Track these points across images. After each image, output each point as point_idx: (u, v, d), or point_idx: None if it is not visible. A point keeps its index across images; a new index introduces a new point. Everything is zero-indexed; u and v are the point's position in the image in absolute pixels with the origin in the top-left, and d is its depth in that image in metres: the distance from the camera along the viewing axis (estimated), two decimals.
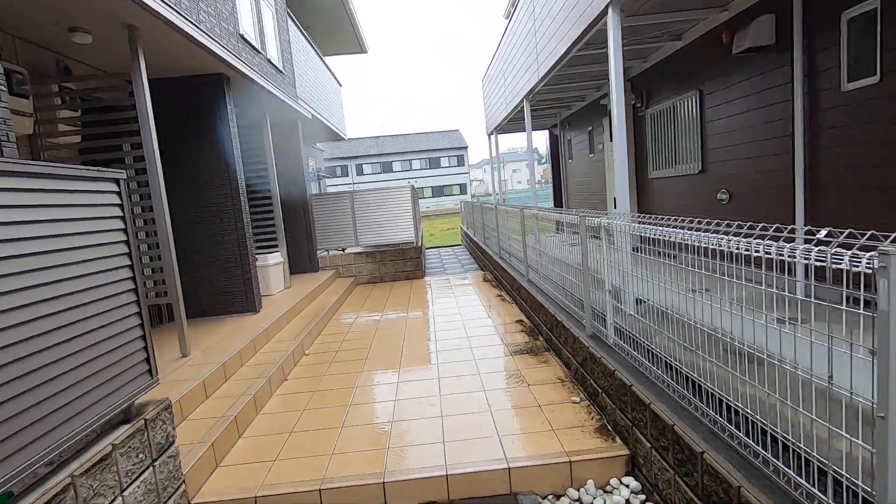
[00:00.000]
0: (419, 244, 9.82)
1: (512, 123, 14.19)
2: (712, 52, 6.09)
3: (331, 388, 4.32)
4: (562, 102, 11.75)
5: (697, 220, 2.42)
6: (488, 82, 14.50)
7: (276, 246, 7.76)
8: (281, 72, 8.16)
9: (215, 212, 5.88)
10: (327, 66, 13.46)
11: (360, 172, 51.89)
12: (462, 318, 6.35)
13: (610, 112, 9.49)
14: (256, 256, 7.20)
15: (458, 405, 3.72)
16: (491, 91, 14.14)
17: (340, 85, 15.14)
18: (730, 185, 6.17)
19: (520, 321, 5.92)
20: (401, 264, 9.64)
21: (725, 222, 2.16)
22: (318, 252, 9.57)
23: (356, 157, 51.88)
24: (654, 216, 2.99)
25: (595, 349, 3.57)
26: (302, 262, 9.26)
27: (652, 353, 2.94)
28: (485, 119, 15.79)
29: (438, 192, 52.19)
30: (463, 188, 52.25)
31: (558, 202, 14.94)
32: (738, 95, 5.80)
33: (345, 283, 9.12)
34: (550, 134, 15.44)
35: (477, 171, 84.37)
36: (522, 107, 10.21)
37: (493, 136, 15.74)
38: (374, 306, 7.63)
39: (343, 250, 9.69)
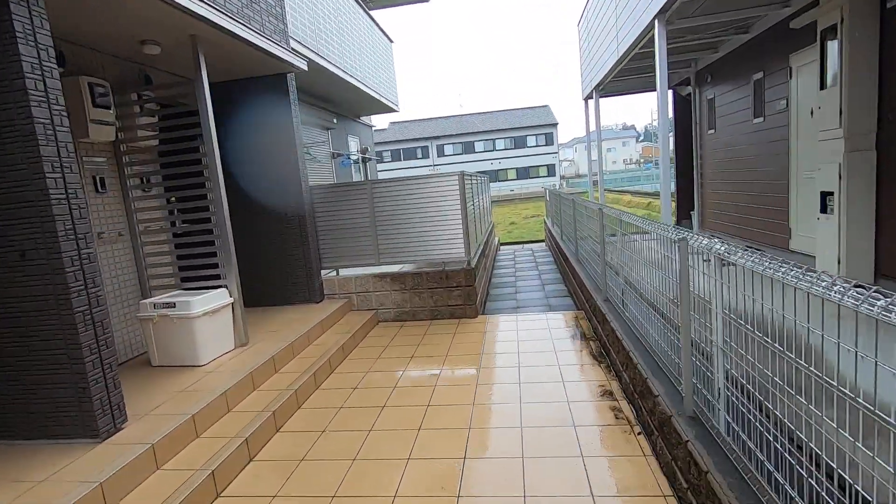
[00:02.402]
0: (473, 263, 6.33)
1: (620, 81, 10.03)
2: None
3: None
4: (706, 38, 7.50)
5: None
6: (589, 21, 10.41)
7: (215, 277, 4.70)
8: None
9: (10, 240, 2.85)
10: (369, 15, 10.21)
11: (440, 153, 49.08)
12: (532, 487, 2.83)
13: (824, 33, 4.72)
14: (174, 302, 4.19)
15: None
16: (593, 32, 10.07)
17: (391, 41, 11.87)
18: None
19: None
20: (444, 295, 6.23)
21: None
22: (322, 272, 6.45)
23: (437, 138, 49.06)
24: None
25: None
26: (294, 288, 6.19)
27: None
28: (580, 77, 11.72)
29: (524, 173, 47.89)
30: (551, 169, 47.46)
31: (686, 194, 10.59)
32: None
33: (357, 321, 5.92)
34: (675, 95, 11.03)
35: (567, 150, 78.09)
36: (649, 38, 6.25)
37: (590, 101, 11.66)
38: (377, 384, 4.35)
39: (400, 266, 6.41)
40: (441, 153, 49.14)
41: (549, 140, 47.55)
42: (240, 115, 5.94)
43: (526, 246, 16.48)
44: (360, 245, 6.33)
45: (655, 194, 30.13)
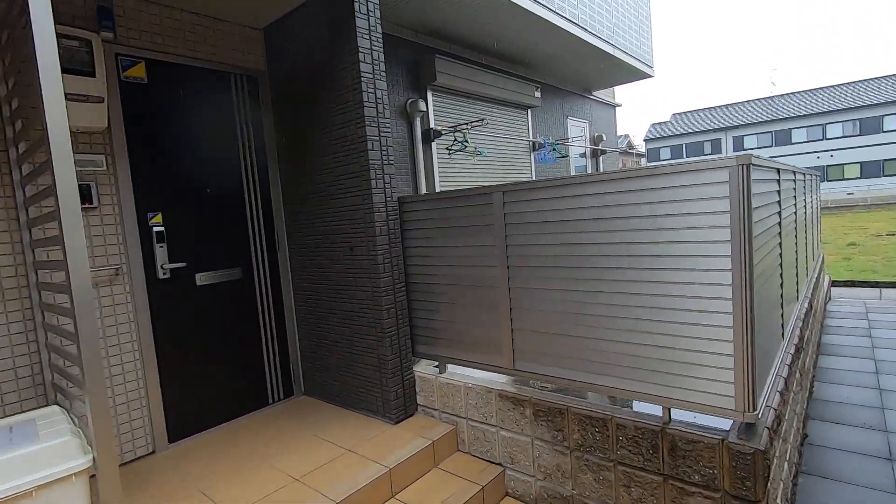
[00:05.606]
0: (765, 427, 2.17)
1: None
2: None
3: None
4: None
5: None
6: None
7: None
8: None
9: None
10: None
11: (738, 147, 39.09)
12: None
13: None
14: None
15: None
16: None
17: None
18: None
19: None
20: (656, 489, 2.30)
21: None
22: (413, 364, 3.33)
23: (734, 128, 39.15)
24: None
25: None
26: (360, 384, 3.27)
27: None
28: None
29: (874, 169, 33.73)
30: None
31: None
32: None
33: (454, 491, 2.62)
34: None
35: None
36: None
37: None
38: None
39: (564, 388, 2.84)
40: (739, 147, 39.11)
41: None
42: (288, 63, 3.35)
43: (885, 293, 9.58)
44: (476, 320, 2.94)
45: None
